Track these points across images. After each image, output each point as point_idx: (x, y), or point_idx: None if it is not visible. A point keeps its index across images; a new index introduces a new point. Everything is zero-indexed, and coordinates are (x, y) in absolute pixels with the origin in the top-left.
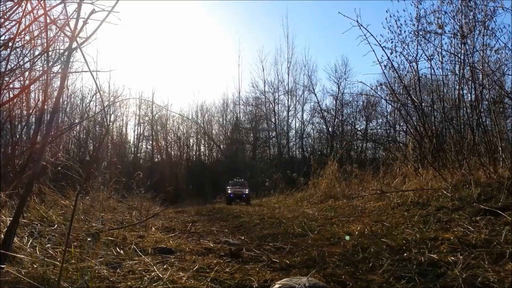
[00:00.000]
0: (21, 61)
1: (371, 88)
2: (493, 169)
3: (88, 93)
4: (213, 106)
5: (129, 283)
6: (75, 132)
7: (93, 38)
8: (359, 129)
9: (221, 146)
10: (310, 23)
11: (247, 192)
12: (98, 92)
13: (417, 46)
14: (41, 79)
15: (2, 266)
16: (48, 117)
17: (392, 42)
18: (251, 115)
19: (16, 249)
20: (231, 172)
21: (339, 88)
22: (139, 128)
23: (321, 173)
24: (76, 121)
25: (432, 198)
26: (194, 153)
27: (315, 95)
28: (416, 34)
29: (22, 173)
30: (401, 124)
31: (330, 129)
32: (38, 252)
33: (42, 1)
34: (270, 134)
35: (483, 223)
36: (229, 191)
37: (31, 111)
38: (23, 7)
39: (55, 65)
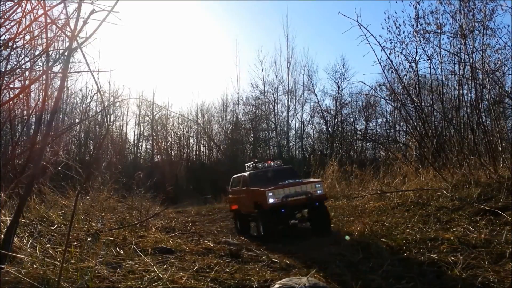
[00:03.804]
0: (21, 61)
1: (371, 88)
2: (493, 169)
3: (89, 93)
4: (212, 106)
5: (129, 283)
6: (75, 132)
7: (93, 38)
8: (359, 129)
9: (221, 146)
10: (310, 23)
11: (319, 192)
12: (98, 92)
13: (417, 46)
14: (41, 79)
15: (2, 266)
16: (48, 117)
17: (391, 43)
18: (251, 115)
19: (16, 249)
20: (231, 172)
21: (338, 88)
22: (139, 128)
23: (321, 173)
24: (76, 121)
25: (432, 198)
26: (194, 153)
27: (315, 95)
28: (415, 34)
29: (22, 173)
30: (401, 124)
31: (330, 129)
32: (38, 252)
33: (42, 1)
34: (270, 134)
35: (483, 223)
36: (271, 201)
37: (31, 111)
38: (23, 7)
39: (55, 65)
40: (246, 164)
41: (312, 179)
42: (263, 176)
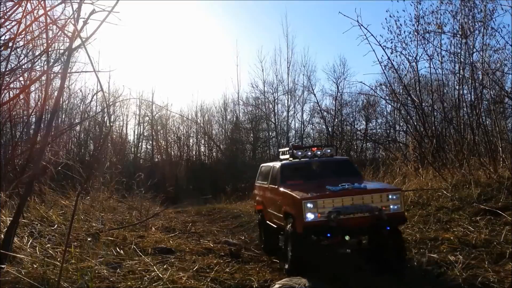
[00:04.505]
0: (22, 61)
1: (371, 88)
2: (493, 169)
3: (89, 93)
4: (212, 106)
5: (129, 283)
6: (75, 132)
7: (93, 38)
8: (359, 129)
9: (221, 146)
10: (310, 23)
11: (394, 208)
12: (101, 91)
13: (417, 46)
14: (41, 79)
15: (2, 266)
16: (48, 117)
17: (392, 42)
18: (251, 115)
19: (16, 249)
20: (231, 172)
21: (338, 88)
22: (139, 128)
23: None
24: (77, 121)
25: (432, 198)
26: (194, 153)
27: (315, 95)
28: (416, 34)
29: (22, 173)
30: (401, 124)
31: (330, 129)
32: (38, 252)
33: (43, 1)
34: (270, 134)
35: (483, 223)
36: (310, 217)
37: (31, 111)
38: (24, 7)
39: (55, 65)
40: (280, 150)
41: (383, 185)
42: (302, 171)
